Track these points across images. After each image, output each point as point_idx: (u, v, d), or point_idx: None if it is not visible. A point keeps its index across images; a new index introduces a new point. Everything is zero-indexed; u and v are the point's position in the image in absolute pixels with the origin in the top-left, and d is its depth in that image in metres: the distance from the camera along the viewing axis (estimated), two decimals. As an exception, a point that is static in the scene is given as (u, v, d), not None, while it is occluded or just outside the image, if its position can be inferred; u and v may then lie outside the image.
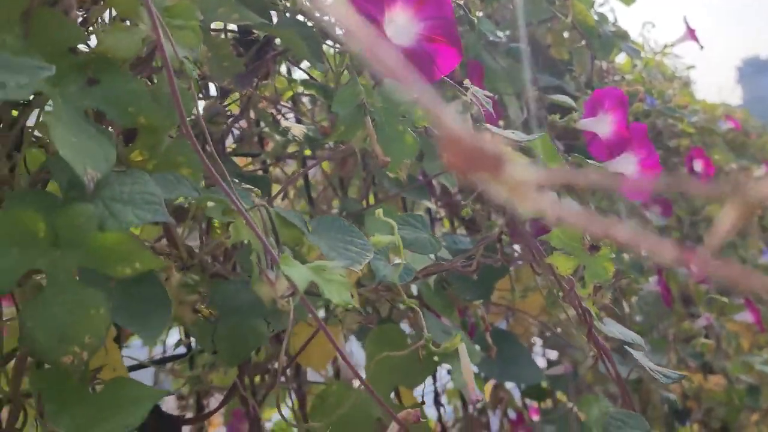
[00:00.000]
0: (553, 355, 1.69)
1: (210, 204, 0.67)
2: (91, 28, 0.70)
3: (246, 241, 0.64)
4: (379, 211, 0.88)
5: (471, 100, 0.81)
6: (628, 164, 1.04)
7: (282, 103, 1.09)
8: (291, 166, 1.41)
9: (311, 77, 1.15)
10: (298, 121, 1.22)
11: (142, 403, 0.57)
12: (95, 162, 0.56)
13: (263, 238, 0.57)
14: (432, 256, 0.90)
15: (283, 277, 0.60)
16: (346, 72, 1.18)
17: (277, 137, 1.17)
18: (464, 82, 0.80)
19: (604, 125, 1.06)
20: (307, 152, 1.21)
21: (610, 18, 1.84)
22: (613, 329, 0.85)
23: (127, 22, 0.67)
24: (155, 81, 0.73)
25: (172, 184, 0.64)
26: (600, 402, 1.14)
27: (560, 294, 0.81)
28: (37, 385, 0.54)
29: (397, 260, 0.72)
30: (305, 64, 1.21)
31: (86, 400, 0.54)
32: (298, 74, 1.26)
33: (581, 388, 1.58)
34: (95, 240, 0.53)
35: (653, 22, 2.28)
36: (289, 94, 1.25)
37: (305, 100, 1.30)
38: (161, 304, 0.60)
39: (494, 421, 1.68)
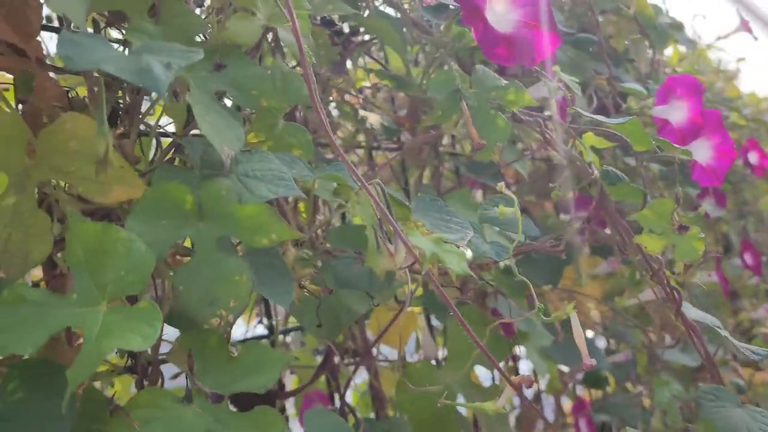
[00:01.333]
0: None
1: (318, 183, 0.71)
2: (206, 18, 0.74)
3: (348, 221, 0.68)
4: (464, 194, 0.92)
5: (558, 86, 0.83)
6: (701, 150, 1.06)
7: (351, 92, 1.12)
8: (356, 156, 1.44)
9: (385, 68, 1.19)
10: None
11: (274, 366, 0.61)
12: (229, 141, 0.60)
13: (386, 212, 0.61)
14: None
15: (401, 249, 0.63)
16: (421, 62, 1.21)
17: (350, 126, 1.21)
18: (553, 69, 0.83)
19: (676, 112, 1.07)
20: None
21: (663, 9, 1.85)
22: (692, 313, 0.87)
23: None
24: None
25: (289, 163, 0.68)
26: (671, 385, 1.17)
27: (643, 275, 0.84)
28: (187, 344, 0.58)
29: (496, 238, 0.75)
30: (376, 55, 1.25)
31: (226, 361, 0.58)
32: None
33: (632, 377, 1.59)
34: (236, 212, 0.57)
35: (703, 14, 2.28)
36: (359, 84, 1.29)
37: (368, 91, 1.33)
38: (285, 273, 0.64)
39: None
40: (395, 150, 1.22)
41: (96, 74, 0.62)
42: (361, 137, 1.22)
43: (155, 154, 0.71)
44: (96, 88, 0.57)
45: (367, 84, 1.28)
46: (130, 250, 0.51)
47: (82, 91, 0.70)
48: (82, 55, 0.51)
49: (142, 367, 0.62)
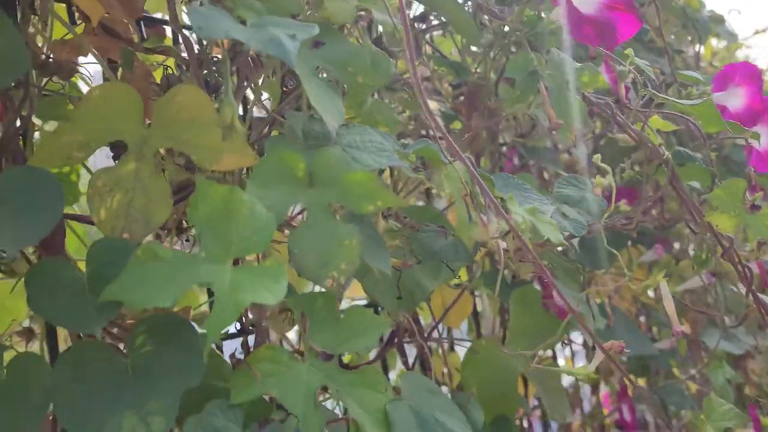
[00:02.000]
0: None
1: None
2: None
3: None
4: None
5: (629, 69, 0.85)
6: (761, 136, 1.07)
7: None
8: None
9: (442, 55, 1.21)
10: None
11: (376, 329, 0.63)
12: (333, 114, 0.63)
13: (482, 183, 0.63)
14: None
15: (494, 220, 0.66)
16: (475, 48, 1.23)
17: (407, 112, 1.23)
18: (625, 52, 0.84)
19: (735, 98, 1.09)
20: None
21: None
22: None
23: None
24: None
25: (383, 138, 0.71)
26: (725, 368, 1.18)
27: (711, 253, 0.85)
28: (299, 306, 0.60)
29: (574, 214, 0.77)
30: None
31: (333, 323, 0.61)
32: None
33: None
34: (346, 179, 0.60)
35: (738, 8, 2.28)
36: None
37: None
38: (381, 242, 0.66)
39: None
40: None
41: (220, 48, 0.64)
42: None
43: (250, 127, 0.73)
44: (223, 61, 0.60)
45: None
46: (252, 213, 0.54)
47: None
48: (212, 25, 0.53)
49: (246, 330, 0.65)
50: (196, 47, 0.69)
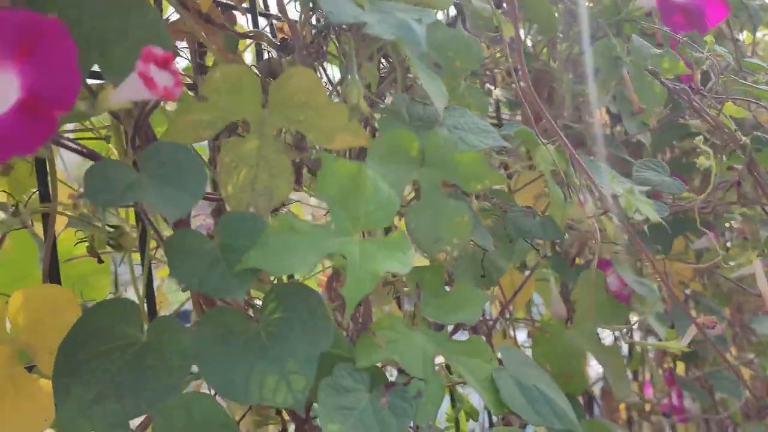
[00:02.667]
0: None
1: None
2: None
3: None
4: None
5: (706, 56, 0.87)
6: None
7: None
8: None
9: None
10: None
11: (477, 303, 0.66)
12: (439, 96, 0.66)
13: (581, 162, 0.66)
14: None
15: (590, 199, 0.68)
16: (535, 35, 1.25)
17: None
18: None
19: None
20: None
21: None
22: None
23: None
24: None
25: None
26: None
27: None
28: (412, 278, 0.64)
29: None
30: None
31: (441, 296, 0.64)
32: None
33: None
34: (456, 158, 0.63)
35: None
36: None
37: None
38: (479, 221, 0.69)
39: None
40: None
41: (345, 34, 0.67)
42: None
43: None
44: (347, 43, 0.63)
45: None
46: (376, 189, 0.57)
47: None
48: (341, 10, 0.56)
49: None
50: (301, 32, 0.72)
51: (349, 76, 0.60)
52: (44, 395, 0.59)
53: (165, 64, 0.42)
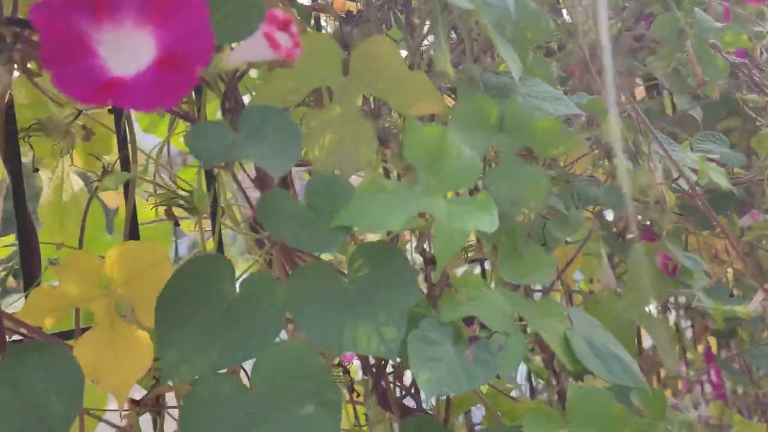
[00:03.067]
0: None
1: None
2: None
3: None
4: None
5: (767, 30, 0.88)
6: None
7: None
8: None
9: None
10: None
11: (549, 268, 0.69)
12: (515, 65, 0.68)
13: (654, 131, 0.68)
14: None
15: (659, 167, 0.70)
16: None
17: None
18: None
19: None
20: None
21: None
22: None
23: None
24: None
25: (547, 90, 0.75)
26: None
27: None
28: (489, 240, 0.66)
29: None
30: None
31: (517, 258, 0.67)
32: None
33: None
34: (534, 125, 0.65)
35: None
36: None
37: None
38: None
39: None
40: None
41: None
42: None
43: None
44: (432, 12, 0.65)
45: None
46: (459, 153, 0.60)
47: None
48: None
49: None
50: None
51: (436, 43, 0.62)
52: (141, 344, 0.62)
53: (285, 26, 0.44)
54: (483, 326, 0.61)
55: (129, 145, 0.77)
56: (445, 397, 0.74)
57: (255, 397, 0.55)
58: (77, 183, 0.94)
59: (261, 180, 0.66)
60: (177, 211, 0.83)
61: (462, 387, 0.55)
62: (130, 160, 0.77)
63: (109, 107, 0.77)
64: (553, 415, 0.60)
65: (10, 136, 0.66)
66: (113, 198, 1.06)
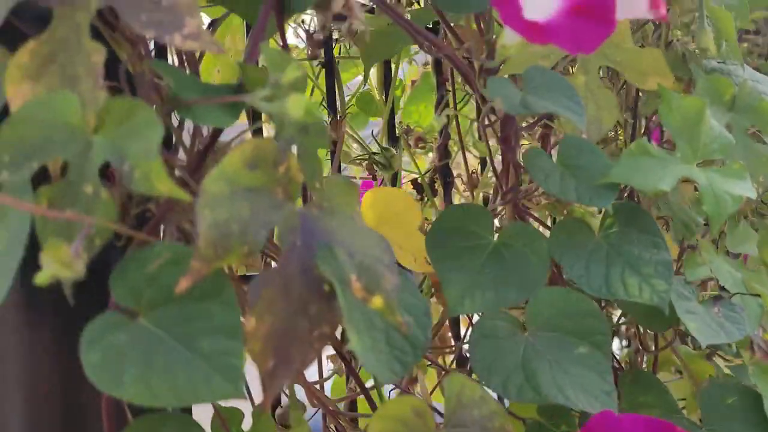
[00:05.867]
0: None
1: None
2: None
3: None
4: None
5: None
6: None
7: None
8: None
9: None
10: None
11: (755, 239, 0.74)
12: (734, 51, 0.73)
13: None
14: None
15: None
16: None
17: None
18: None
19: None
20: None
21: None
22: None
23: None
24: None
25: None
26: None
27: None
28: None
29: None
30: None
31: (734, 228, 0.72)
32: None
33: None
34: (759, 107, 0.70)
35: None
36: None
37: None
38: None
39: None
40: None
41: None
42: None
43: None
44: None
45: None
46: (711, 125, 0.64)
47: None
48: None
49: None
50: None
51: (699, 23, 0.66)
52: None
53: (657, -12, 0.48)
54: (723, 288, 0.66)
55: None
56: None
57: (532, 334, 0.59)
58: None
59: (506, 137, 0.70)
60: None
61: (721, 338, 0.60)
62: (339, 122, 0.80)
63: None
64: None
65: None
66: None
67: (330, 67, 0.82)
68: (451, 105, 0.99)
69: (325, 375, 0.73)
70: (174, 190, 0.35)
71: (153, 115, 0.37)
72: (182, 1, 0.39)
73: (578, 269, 0.61)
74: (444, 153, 1.01)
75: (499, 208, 0.72)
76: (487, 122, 0.68)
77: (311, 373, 0.64)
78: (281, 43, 0.51)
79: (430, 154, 1.17)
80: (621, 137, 0.80)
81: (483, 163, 1.02)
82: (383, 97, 0.90)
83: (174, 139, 0.48)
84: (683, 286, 0.63)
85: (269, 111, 0.39)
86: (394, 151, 0.86)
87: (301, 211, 0.41)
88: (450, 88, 1.00)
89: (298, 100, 0.37)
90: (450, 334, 0.89)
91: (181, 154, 0.47)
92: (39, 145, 0.36)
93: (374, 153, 0.84)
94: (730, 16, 0.71)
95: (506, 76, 0.64)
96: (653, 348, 0.75)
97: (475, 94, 0.66)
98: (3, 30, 0.38)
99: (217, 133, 0.45)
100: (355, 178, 0.92)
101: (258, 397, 0.44)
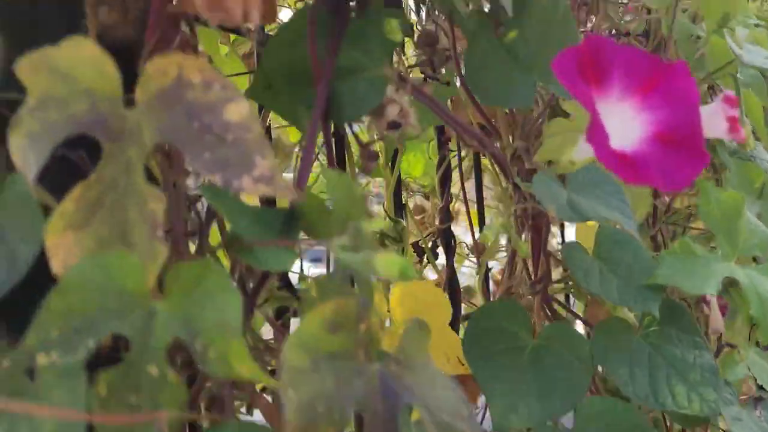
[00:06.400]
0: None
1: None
2: None
3: None
4: None
5: None
6: None
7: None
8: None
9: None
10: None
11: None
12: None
13: None
14: None
15: None
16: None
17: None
18: None
19: None
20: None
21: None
22: None
23: None
24: None
25: None
26: None
27: None
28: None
29: None
30: None
31: None
32: None
33: None
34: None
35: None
36: None
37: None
38: None
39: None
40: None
41: None
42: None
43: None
44: None
45: None
46: (750, 221, 0.63)
47: None
48: None
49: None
50: None
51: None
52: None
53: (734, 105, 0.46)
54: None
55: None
56: None
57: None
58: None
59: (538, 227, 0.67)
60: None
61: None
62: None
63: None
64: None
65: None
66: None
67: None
68: (456, 165, 0.96)
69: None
70: (257, 373, 0.31)
71: (227, 278, 0.32)
72: (250, 137, 0.35)
73: (623, 375, 0.58)
74: (446, 216, 0.98)
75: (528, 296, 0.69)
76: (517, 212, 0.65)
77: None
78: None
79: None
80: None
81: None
82: (389, 166, 0.86)
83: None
84: (724, 388, 0.61)
85: (351, 263, 0.35)
86: (404, 223, 0.82)
87: (380, 370, 0.36)
88: (453, 149, 0.98)
89: (391, 261, 0.33)
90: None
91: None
92: (94, 318, 0.31)
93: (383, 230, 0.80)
94: (758, 103, 0.71)
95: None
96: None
97: (509, 183, 0.63)
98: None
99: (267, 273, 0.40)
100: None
101: None
